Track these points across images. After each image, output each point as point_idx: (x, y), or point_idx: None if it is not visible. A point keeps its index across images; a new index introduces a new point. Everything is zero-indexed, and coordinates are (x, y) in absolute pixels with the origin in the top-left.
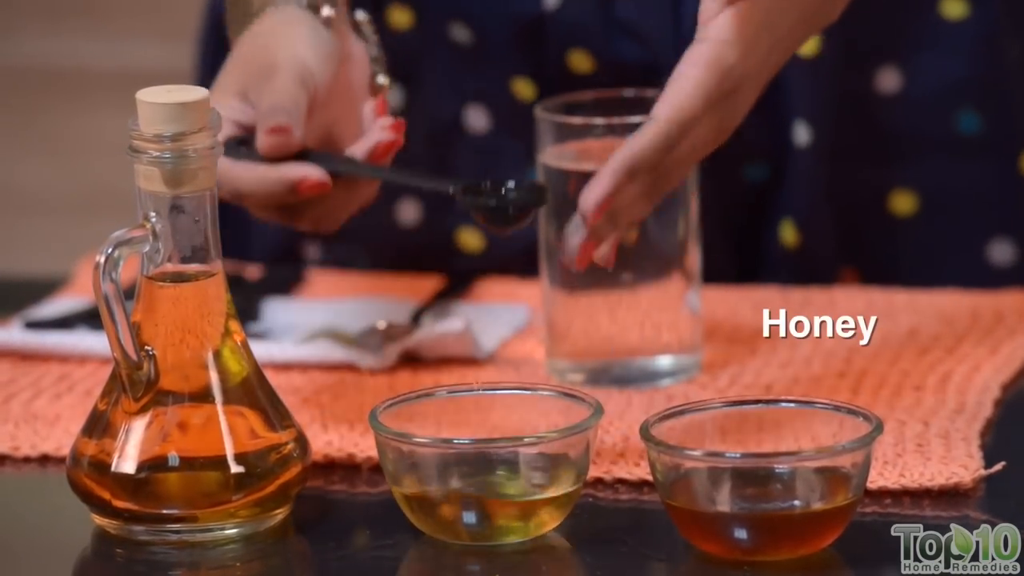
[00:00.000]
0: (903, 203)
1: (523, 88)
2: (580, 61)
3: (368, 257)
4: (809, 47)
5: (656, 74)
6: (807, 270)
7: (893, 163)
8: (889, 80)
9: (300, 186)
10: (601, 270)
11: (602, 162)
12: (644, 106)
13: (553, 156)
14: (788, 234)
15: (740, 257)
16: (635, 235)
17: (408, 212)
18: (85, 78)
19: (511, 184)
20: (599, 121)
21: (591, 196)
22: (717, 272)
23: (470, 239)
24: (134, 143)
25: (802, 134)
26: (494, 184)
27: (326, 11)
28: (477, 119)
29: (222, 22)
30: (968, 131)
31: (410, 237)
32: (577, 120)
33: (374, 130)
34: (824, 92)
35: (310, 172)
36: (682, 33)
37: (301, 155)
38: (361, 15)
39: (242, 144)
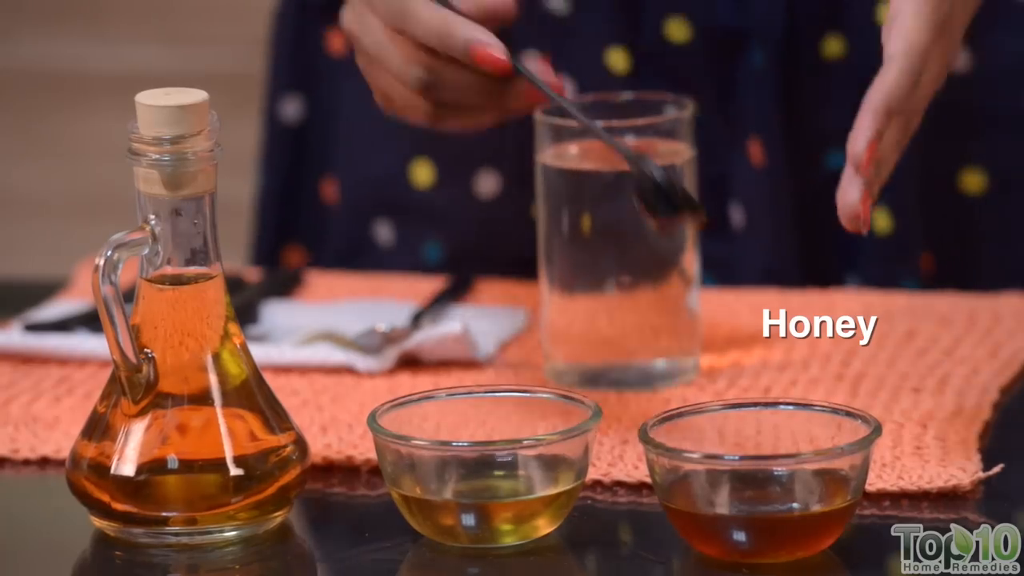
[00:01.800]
0: (973, 182)
1: (617, 60)
2: (677, 29)
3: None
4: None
5: (751, 42)
6: (899, 256)
7: (963, 141)
8: (960, 59)
9: (475, 48)
10: (600, 272)
11: (603, 162)
12: (640, 110)
13: (552, 156)
14: (880, 220)
15: (825, 251)
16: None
17: (488, 184)
18: (84, 81)
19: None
20: (598, 124)
21: (859, 141)
22: (811, 268)
23: None
24: (133, 146)
25: None
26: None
27: None
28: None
29: (296, 20)
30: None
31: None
32: (576, 122)
33: None
34: None
35: (494, 43)
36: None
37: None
38: None
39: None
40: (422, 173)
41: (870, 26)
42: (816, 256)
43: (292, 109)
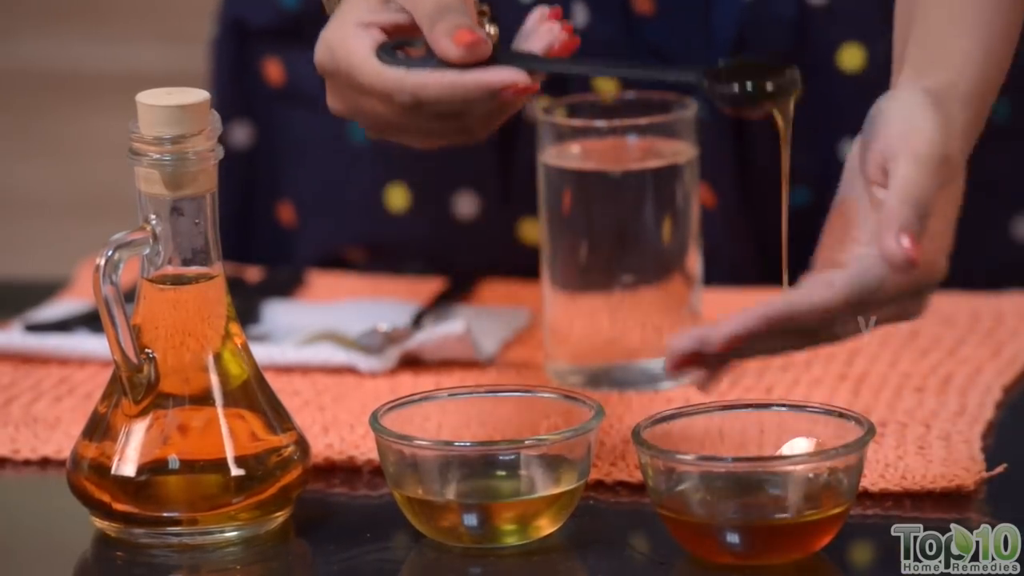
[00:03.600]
0: None
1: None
2: (606, 84)
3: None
4: (855, 62)
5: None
6: None
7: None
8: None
9: (506, 92)
10: (602, 272)
11: (604, 161)
12: (644, 109)
13: (554, 156)
14: None
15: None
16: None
17: (466, 205)
18: (85, 81)
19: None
20: (600, 124)
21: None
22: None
23: (531, 231)
24: (134, 145)
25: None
26: (739, 69)
27: None
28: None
29: (239, 23)
30: (1000, 118)
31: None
32: (578, 122)
33: (545, 29)
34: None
35: (515, 77)
36: (714, 53)
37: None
38: None
39: (399, 49)
40: (397, 197)
41: (828, 66)
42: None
43: (240, 135)
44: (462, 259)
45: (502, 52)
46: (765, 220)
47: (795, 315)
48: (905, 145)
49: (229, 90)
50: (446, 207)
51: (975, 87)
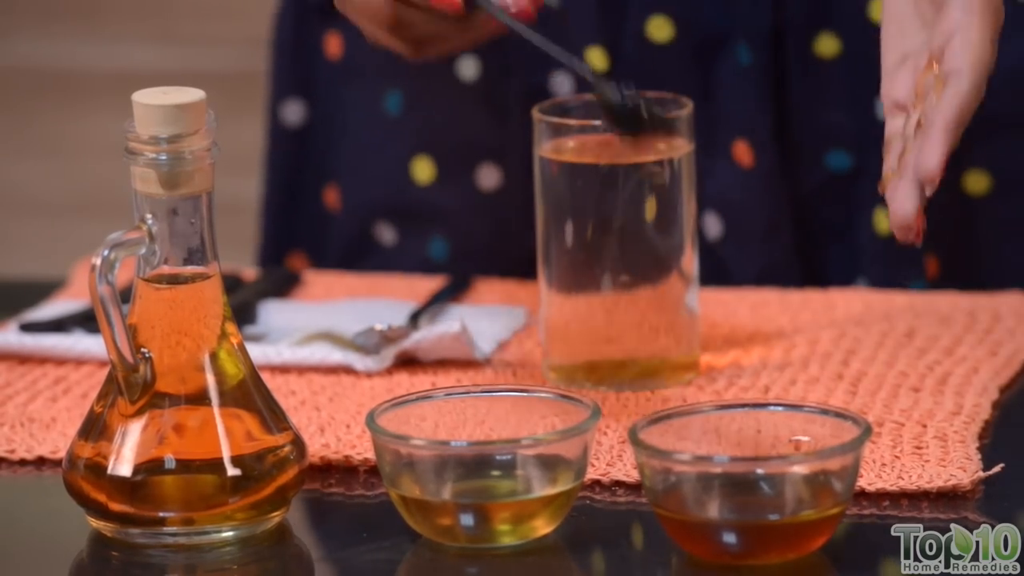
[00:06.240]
0: (977, 183)
1: (596, 59)
2: (659, 29)
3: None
4: None
5: (737, 41)
6: (903, 258)
7: (966, 143)
8: None
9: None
10: (599, 271)
11: (602, 156)
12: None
13: (550, 151)
14: (883, 222)
15: (825, 252)
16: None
17: (489, 178)
18: (81, 80)
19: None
20: (597, 123)
21: (935, 158)
22: (810, 269)
23: None
24: (130, 145)
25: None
26: (630, 89)
27: None
28: (561, 86)
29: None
30: None
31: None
32: (573, 121)
33: None
34: None
35: None
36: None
37: None
38: None
39: None
40: (423, 170)
41: (864, 25)
42: (815, 256)
43: (294, 113)
44: (483, 230)
45: None
46: (802, 185)
47: (964, 108)
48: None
49: (288, 65)
50: (470, 179)
51: None
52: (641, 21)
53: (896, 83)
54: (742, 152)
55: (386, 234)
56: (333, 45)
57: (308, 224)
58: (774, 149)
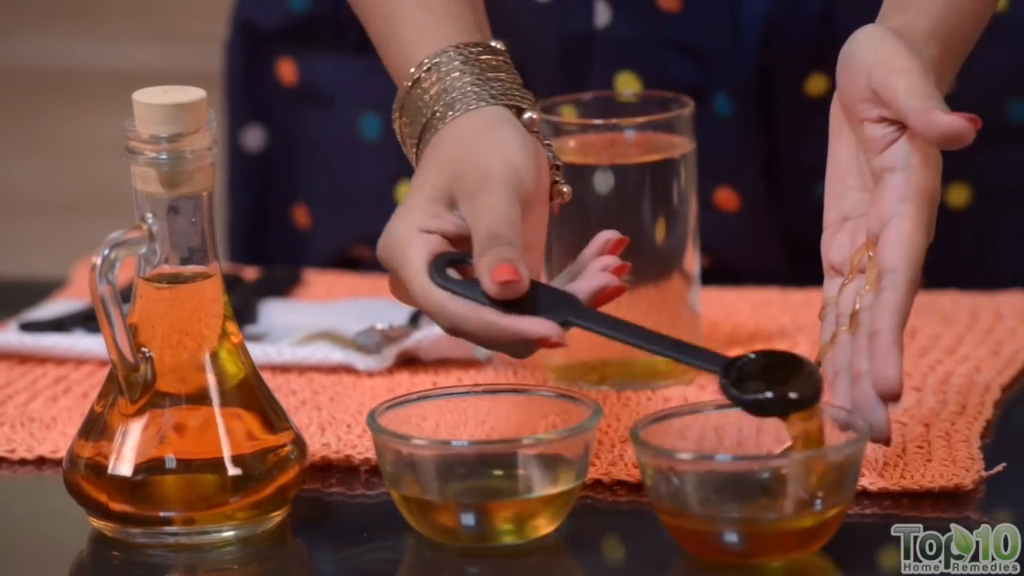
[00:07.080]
0: (957, 196)
1: (564, 113)
2: (627, 83)
3: None
4: None
5: (712, 95)
6: None
7: (945, 157)
8: None
9: (539, 344)
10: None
11: (601, 155)
12: (641, 107)
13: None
14: None
15: (817, 279)
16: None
17: None
18: (81, 79)
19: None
20: (598, 121)
21: (892, 372)
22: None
23: None
24: (130, 144)
25: None
26: (763, 367)
27: (528, 113)
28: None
29: (249, 25)
30: (1018, 120)
31: None
32: (574, 121)
33: (596, 271)
34: None
35: (549, 331)
36: (740, 49)
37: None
38: (530, 114)
39: (453, 266)
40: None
41: None
42: (806, 280)
43: (254, 138)
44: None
45: (541, 291)
46: (792, 216)
47: (906, 311)
48: (891, 63)
49: (243, 93)
50: None
51: (936, 27)
52: (608, 76)
53: (833, 245)
54: (725, 199)
55: (368, 254)
56: (286, 71)
57: (278, 242)
58: (761, 188)
